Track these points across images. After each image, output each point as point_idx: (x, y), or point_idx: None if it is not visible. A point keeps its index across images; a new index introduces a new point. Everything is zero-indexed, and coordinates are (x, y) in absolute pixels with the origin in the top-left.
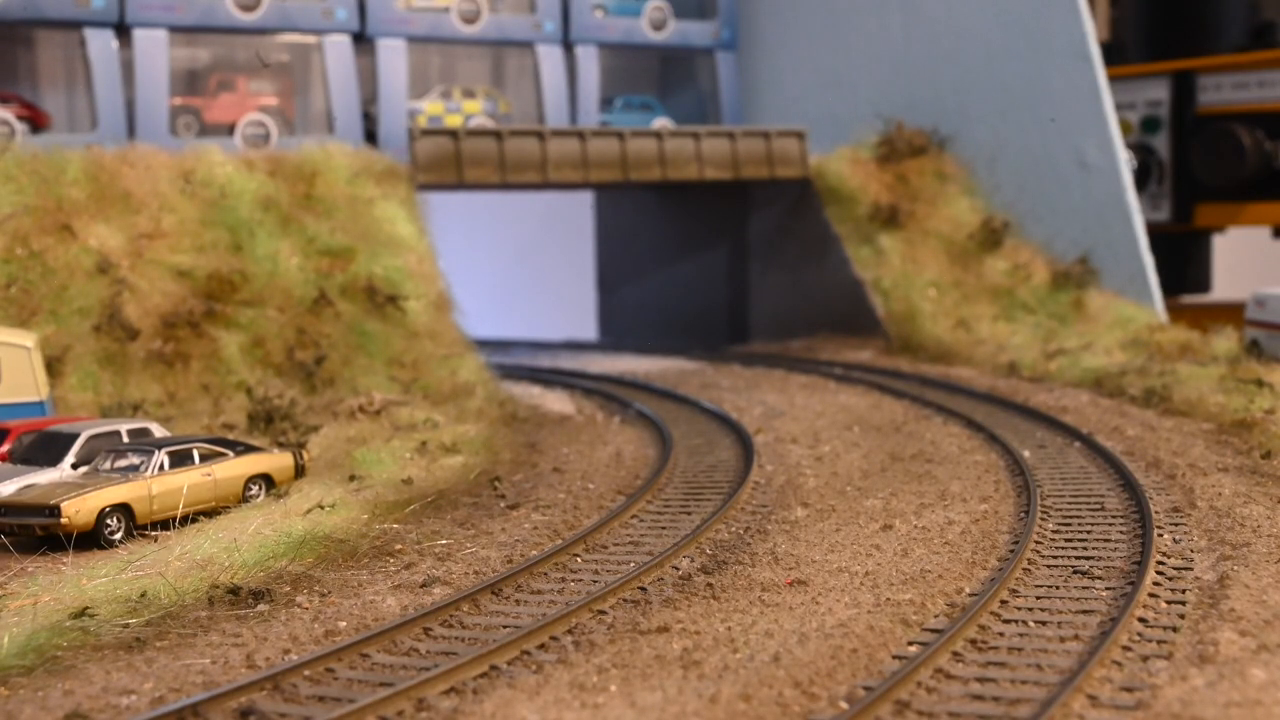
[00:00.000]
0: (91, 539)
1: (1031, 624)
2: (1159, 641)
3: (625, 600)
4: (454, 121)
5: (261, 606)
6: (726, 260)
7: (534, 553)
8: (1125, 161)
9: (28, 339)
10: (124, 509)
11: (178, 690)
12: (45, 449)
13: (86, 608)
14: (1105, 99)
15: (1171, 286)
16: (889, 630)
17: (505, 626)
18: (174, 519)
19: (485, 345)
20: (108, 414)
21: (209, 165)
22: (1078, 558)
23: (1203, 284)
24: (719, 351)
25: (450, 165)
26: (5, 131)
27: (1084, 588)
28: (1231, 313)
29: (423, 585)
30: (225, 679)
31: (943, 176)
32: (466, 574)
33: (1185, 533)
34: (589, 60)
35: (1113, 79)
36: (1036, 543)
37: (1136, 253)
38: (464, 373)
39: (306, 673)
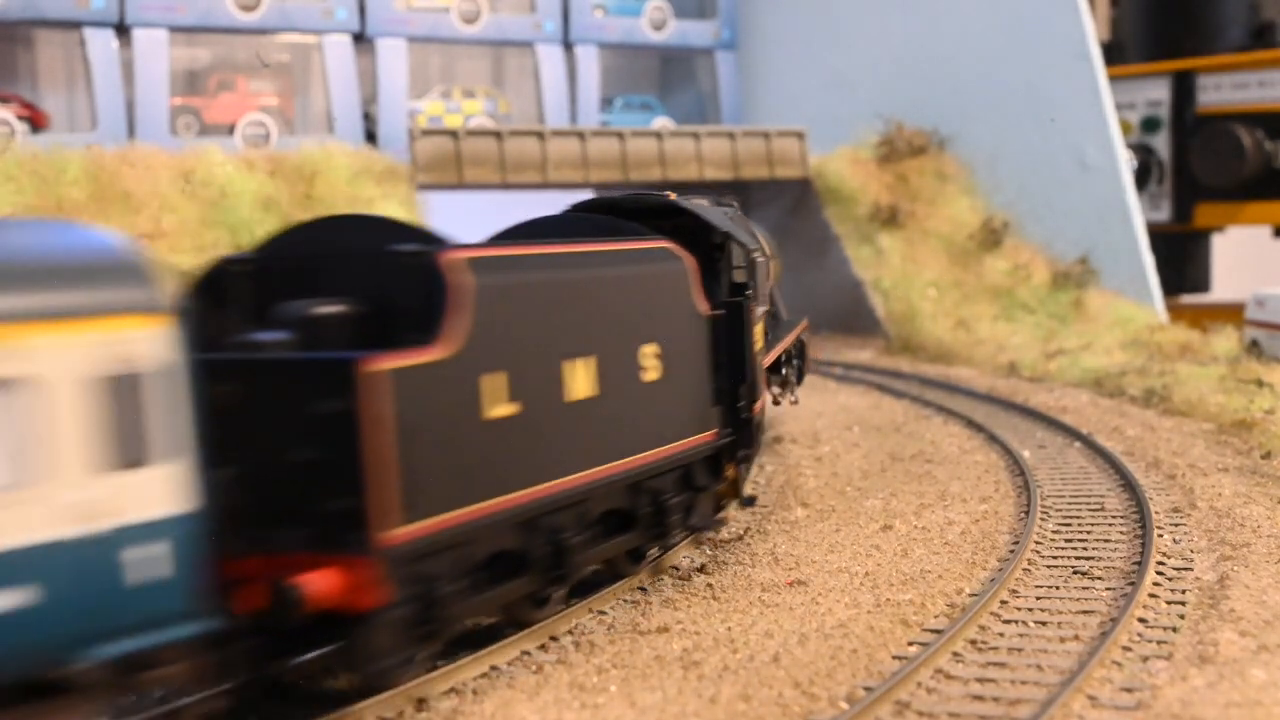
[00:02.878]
0: None
1: (1031, 624)
2: (1159, 642)
3: (625, 600)
4: (454, 121)
5: None
6: None
7: None
8: (1125, 161)
9: None
10: None
11: None
12: None
13: None
14: (1105, 99)
15: (1171, 286)
16: (889, 630)
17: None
18: None
19: None
20: None
21: (209, 165)
22: (1078, 558)
23: (1203, 284)
24: None
25: (450, 165)
26: (5, 131)
27: (1084, 588)
28: (1231, 313)
29: None
30: None
31: (943, 176)
32: None
33: (1185, 533)
34: (589, 60)
35: (1113, 79)
36: (1036, 543)
37: (1136, 253)
38: None
39: None
